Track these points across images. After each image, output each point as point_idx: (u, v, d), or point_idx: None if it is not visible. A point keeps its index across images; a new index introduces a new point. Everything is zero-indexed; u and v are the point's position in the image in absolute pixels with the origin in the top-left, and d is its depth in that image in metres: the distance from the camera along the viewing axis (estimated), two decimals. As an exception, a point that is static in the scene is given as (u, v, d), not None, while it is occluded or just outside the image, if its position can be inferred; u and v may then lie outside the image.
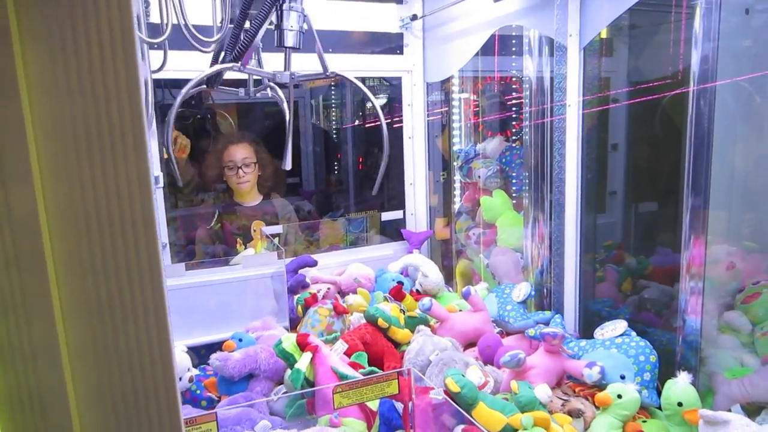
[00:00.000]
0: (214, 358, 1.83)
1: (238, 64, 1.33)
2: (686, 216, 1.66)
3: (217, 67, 1.39)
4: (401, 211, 2.78)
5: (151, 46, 1.54)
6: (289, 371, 1.77)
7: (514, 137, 2.68)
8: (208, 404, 1.87)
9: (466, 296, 2.06)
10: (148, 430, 0.42)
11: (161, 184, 2.38)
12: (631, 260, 2.24)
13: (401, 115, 2.77)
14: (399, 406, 1.66)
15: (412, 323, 2.07)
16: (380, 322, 1.97)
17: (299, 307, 2.26)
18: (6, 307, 0.37)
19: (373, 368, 1.78)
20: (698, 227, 1.63)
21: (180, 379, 1.92)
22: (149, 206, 0.40)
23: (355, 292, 2.39)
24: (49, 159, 0.38)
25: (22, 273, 0.38)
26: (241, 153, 2.64)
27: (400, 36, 2.68)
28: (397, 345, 2.01)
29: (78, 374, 0.40)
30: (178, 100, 1.44)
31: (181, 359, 1.94)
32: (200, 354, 2.29)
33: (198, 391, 1.91)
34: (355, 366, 1.77)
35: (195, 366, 2.04)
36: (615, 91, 2.31)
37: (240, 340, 1.98)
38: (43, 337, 0.39)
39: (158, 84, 2.68)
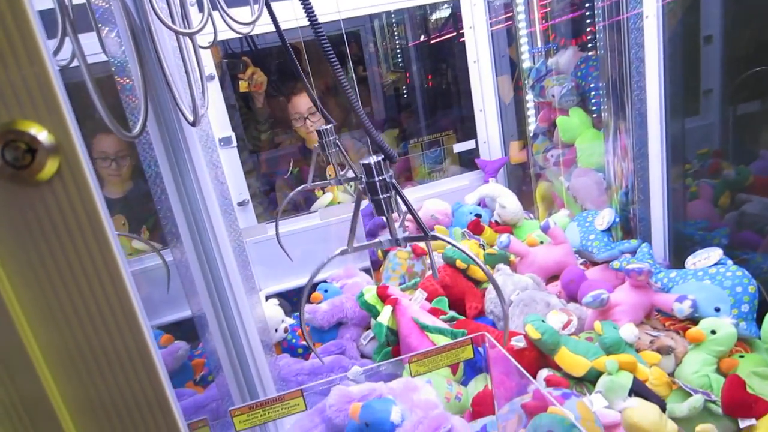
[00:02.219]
0: (304, 311, 1.93)
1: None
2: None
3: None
4: (473, 141, 2.68)
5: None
6: (373, 321, 1.84)
7: (589, 44, 2.45)
8: (304, 351, 2.01)
9: (545, 230, 2.00)
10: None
11: (234, 143, 2.45)
12: (729, 171, 2.04)
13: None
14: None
15: (491, 260, 2.06)
16: (458, 263, 1.97)
17: (379, 251, 2.31)
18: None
19: (453, 314, 1.81)
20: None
21: (276, 330, 2.06)
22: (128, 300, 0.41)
23: (432, 230, 2.39)
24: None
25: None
26: (305, 103, 2.62)
27: (455, -51, 2.47)
28: (478, 284, 2.01)
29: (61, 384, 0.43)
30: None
31: (274, 313, 2.07)
32: (292, 301, 2.44)
33: (293, 340, 2.04)
34: (436, 312, 1.81)
35: (288, 315, 2.18)
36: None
37: (326, 291, 2.07)
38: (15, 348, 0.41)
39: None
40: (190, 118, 1.32)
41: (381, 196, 1.19)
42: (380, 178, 1.19)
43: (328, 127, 1.71)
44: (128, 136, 1.12)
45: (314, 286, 2.22)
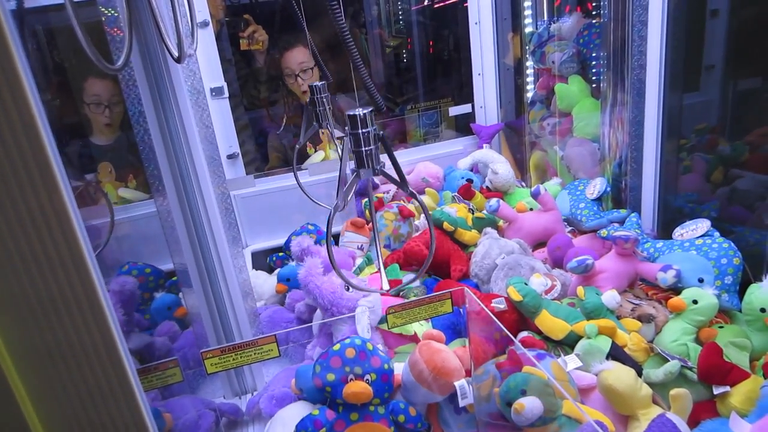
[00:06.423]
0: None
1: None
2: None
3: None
4: (470, 105, 2.64)
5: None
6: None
7: (593, 11, 2.39)
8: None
9: (535, 196, 1.98)
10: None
11: (225, 94, 2.40)
12: (725, 146, 2.01)
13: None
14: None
15: (479, 224, 2.04)
16: (445, 225, 1.95)
17: (366, 212, 2.28)
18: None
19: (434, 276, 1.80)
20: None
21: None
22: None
23: (423, 193, 2.36)
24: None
25: None
26: (297, 59, 2.56)
27: None
28: (464, 247, 2.00)
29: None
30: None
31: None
32: (278, 255, 2.41)
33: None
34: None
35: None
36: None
37: (288, 280, 2.01)
38: None
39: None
40: (176, 54, 1.27)
41: (364, 149, 1.17)
42: (365, 130, 1.16)
43: (320, 84, 1.67)
44: (111, 68, 1.08)
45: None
